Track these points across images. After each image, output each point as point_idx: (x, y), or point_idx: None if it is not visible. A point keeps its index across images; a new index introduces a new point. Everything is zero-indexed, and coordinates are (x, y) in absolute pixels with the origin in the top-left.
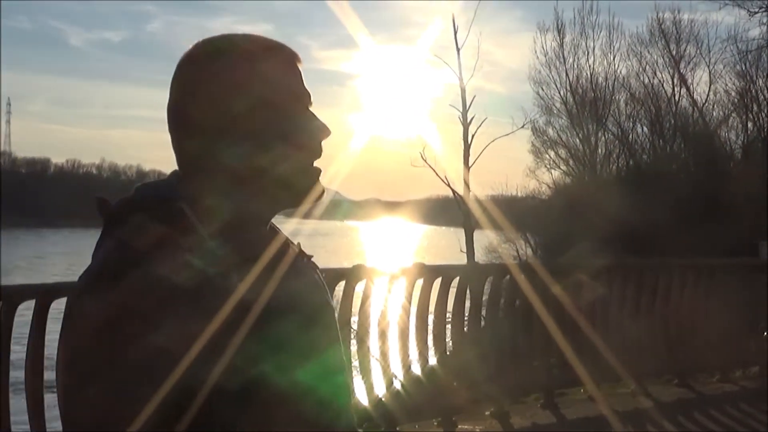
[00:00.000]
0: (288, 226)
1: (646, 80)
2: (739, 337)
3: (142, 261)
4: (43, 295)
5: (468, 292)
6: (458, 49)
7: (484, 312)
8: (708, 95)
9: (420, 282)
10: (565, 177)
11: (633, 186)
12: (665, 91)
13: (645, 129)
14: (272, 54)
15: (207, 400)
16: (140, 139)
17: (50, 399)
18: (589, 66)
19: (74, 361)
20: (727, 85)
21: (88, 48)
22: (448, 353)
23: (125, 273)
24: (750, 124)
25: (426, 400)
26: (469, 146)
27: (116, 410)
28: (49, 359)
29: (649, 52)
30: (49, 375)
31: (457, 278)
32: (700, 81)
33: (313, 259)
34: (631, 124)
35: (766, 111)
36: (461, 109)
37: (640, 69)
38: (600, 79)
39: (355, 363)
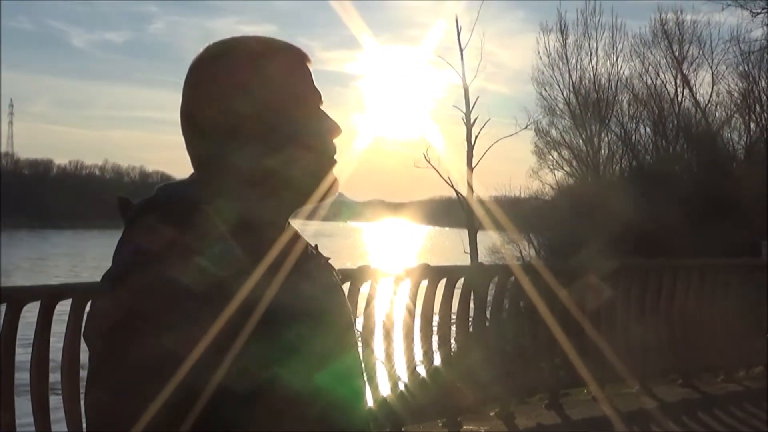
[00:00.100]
0: None
1: (649, 81)
2: (743, 337)
3: (152, 263)
4: (49, 296)
5: (472, 293)
6: (461, 50)
7: (488, 313)
8: (711, 96)
9: (425, 283)
10: (568, 178)
11: (637, 187)
12: (668, 92)
13: (648, 130)
14: (281, 55)
15: (215, 401)
16: (143, 140)
17: (55, 401)
18: (592, 67)
19: (89, 361)
20: (729, 85)
21: (90, 49)
22: (452, 354)
23: (135, 275)
24: (753, 125)
25: (431, 401)
26: (473, 147)
27: (120, 410)
28: (54, 361)
29: (652, 52)
30: (54, 377)
31: (462, 279)
32: (702, 82)
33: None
34: (634, 124)
35: None
36: (464, 110)
37: (643, 70)
38: (603, 79)
39: None
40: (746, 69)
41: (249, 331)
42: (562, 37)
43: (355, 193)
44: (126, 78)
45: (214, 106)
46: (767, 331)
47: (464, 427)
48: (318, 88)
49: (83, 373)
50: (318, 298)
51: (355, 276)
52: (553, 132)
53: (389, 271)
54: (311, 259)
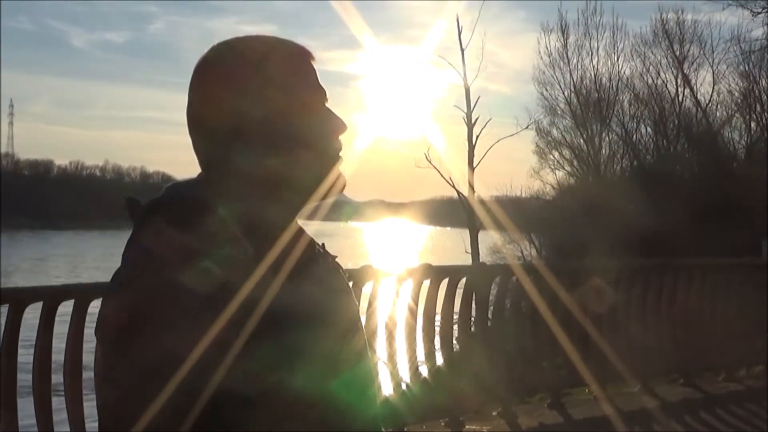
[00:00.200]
0: None
1: (650, 81)
2: (744, 336)
3: (160, 265)
4: (51, 297)
5: (474, 293)
6: (462, 50)
7: (490, 313)
8: (711, 96)
9: (427, 283)
10: (569, 177)
11: (638, 186)
12: (669, 92)
13: (649, 129)
14: (284, 55)
15: (218, 403)
16: (143, 141)
17: (57, 402)
18: (593, 66)
19: (99, 361)
20: (730, 85)
21: (91, 49)
22: (455, 354)
23: (142, 277)
24: (753, 125)
25: (433, 401)
26: (474, 147)
27: (129, 411)
28: (56, 363)
29: (652, 52)
30: (57, 378)
31: (464, 279)
32: (703, 81)
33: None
34: (634, 124)
35: None
36: (465, 110)
37: (644, 69)
38: (604, 79)
39: None
40: (747, 68)
41: (256, 333)
42: (563, 36)
43: (355, 193)
44: (126, 78)
45: (219, 107)
46: (767, 330)
47: (466, 427)
48: (323, 86)
49: (86, 374)
50: (326, 301)
51: (357, 276)
52: (554, 132)
53: (391, 271)
54: (319, 260)
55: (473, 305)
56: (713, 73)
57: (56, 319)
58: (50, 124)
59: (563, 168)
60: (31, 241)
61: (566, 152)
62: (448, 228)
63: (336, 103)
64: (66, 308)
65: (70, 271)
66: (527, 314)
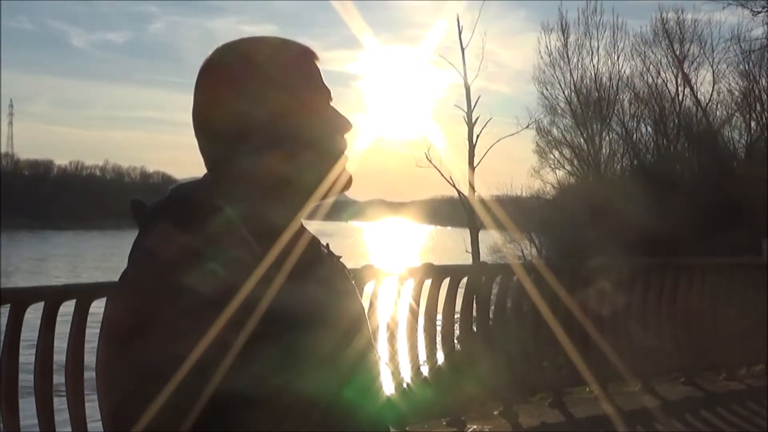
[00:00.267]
0: None
1: (650, 80)
2: (744, 335)
3: (164, 268)
4: (53, 297)
5: (476, 292)
6: (463, 49)
7: (491, 312)
8: (711, 95)
9: (428, 282)
10: (569, 177)
11: (638, 186)
12: (669, 91)
13: (649, 129)
14: (288, 56)
15: (223, 404)
16: (143, 141)
17: (59, 402)
18: (593, 66)
19: (104, 363)
20: (730, 84)
21: (91, 49)
22: (456, 353)
23: (147, 280)
24: (753, 124)
25: (435, 400)
26: (474, 146)
27: (131, 413)
28: (58, 363)
29: (652, 51)
30: (59, 378)
31: (465, 278)
32: (703, 81)
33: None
34: (635, 123)
35: None
36: (466, 110)
37: (644, 69)
38: (604, 78)
39: None
40: (747, 68)
41: (262, 335)
42: (564, 36)
43: (356, 193)
44: (126, 78)
45: (223, 109)
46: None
47: (468, 426)
48: (327, 86)
49: (87, 375)
50: (332, 302)
51: (358, 276)
52: (555, 131)
53: (392, 270)
54: (325, 262)
55: (474, 305)
56: (713, 72)
57: (58, 319)
58: (50, 124)
59: (563, 167)
60: (31, 241)
61: (566, 151)
62: (449, 227)
63: (336, 102)
64: (67, 308)
65: (70, 271)
66: (528, 314)
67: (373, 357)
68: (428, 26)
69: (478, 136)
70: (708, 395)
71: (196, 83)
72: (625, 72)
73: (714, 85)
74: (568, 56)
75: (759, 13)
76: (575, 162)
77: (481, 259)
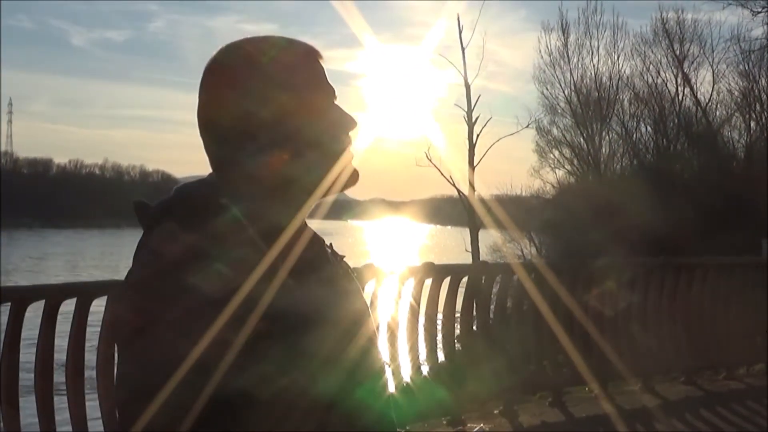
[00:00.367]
0: None
1: (650, 80)
2: (744, 334)
3: (169, 269)
4: (53, 296)
5: (476, 291)
6: (463, 49)
7: (492, 311)
8: (711, 95)
9: (429, 281)
10: (569, 176)
11: (638, 185)
12: (669, 91)
13: (649, 128)
14: (292, 56)
15: (226, 404)
16: (143, 139)
17: (59, 401)
18: (593, 65)
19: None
20: (730, 84)
21: (90, 47)
22: (456, 352)
23: (152, 281)
24: (753, 124)
25: (435, 399)
26: (474, 146)
27: (138, 412)
28: (58, 361)
29: (652, 51)
30: (59, 377)
31: (466, 278)
32: (703, 80)
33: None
34: (635, 123)
35: None
36: (466, 109)
37: (644, 68)
38: (604, 78)
39: None
40: (747, 68)
41: (267, 335)
42: (564, 36)
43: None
44: (126, 77)
45: (227, 109)
46: (767, 328)
47: (468, 425)
48: (331, 84)
49: (88, 373)
50: (337, 303)
51: (359, 275)
52: (555, 131)
53: (393, 269)
54: (330, 262)
55: (475, 304)
56: (713, 72)
57: (58, 317)
58: (49, 123)
59: (563, 167)
60: (31, 240)
61: (566, 151)
62: (449, 227)
63: (337, 101)
64: (68, 307)
65: (69, 270)
66: (529, 313)
67: (378, 356)
68: (428, 25)
69: (478, 135)
70: (708, 395)
71: (200, 83)
72: (625, 72)
73: (714, 85)
74: (568, 56)
75: (759, 13)
76: (575, 161)
77: (480, 259)
